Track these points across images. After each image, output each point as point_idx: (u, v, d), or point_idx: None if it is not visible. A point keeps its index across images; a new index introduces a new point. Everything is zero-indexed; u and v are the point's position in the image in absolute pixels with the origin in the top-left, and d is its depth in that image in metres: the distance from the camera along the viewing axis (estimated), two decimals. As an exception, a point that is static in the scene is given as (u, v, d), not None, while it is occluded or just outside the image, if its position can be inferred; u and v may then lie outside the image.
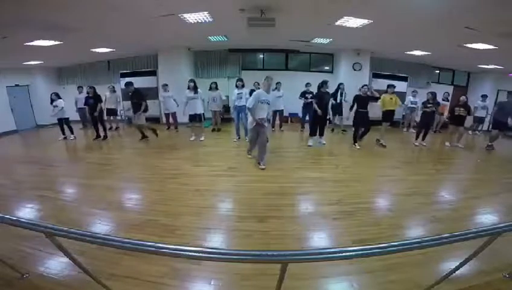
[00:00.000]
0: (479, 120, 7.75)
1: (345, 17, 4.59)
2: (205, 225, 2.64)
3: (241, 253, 1.15)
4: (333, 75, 8.62)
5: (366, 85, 5.71)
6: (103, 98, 6.72)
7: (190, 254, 1.09)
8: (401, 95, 7.78)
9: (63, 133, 6.62)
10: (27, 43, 5.22)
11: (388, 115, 5.92)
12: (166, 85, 7.15)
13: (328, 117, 7.41)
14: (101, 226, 2.64)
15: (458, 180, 4.14)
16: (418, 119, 6.81)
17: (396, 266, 1.95)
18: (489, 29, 4.24)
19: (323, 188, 3.59)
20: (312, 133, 5.78)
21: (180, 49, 7.85)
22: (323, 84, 5.52)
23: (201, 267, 1.97)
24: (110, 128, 7.71)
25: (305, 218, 2.84)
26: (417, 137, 6.16)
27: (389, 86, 5.98)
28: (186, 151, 5.35)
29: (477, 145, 6.80)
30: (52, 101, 6.43)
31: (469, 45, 5.46)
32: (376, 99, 5.75)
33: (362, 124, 5.69)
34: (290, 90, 7.03)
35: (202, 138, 6.13)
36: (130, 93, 5.93)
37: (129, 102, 6.24)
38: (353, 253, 1.09)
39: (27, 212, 2.95)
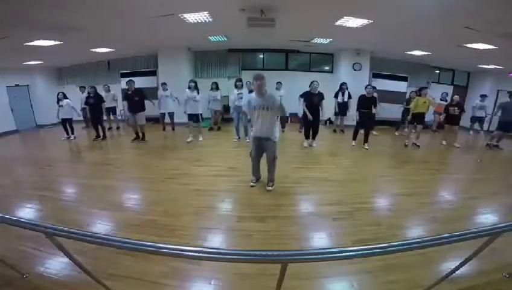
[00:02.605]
0: (479, 120, 7.68)
1: (345, 17, 4.59)
2: (205, 225, 2.64)
3: (241, 253, 1.15)
4: (333, 75, 8.61)
5: (370, 85, 5.68)
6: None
7: (190, 254, 1.09)
8: (401, 95, 7.81)
9: (67, 133, 6.64)
10: (27, 43, 5.21)
11: (419, 117, 5.72)
12: (165, 84, 7.09)
13: (328, 119, 7.37)
14: (101, 226, 2.64)
15: (458, 180, 4.13)
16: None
17: (396, 266, 1.95)
18: (489, 29, 4.24)
19: (323, 188, 3.59)
20: (305, 136, 5.76)
21: (180, 49, 7.84)
22: (311, 84, 5.45)
23: (201, 267, 1.97)
24: (110, 128, 7.68)
25: (305, 218, 2.84)
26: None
27: (421, 88, 5.82)
28: (186, 152, 5.35)
29: (477, 145, 6.79)
30: (58, 100, 6.44)
31: (469, 45, 5.45)
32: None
33: (365, 124, 5.67)
34: (290, 90, 7.03)
35: (201, 139, 6.11)
36: (129, 92, 5.86)
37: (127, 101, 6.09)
38: (353, 253, 1.09)
39: (27, 212, 2.95)
